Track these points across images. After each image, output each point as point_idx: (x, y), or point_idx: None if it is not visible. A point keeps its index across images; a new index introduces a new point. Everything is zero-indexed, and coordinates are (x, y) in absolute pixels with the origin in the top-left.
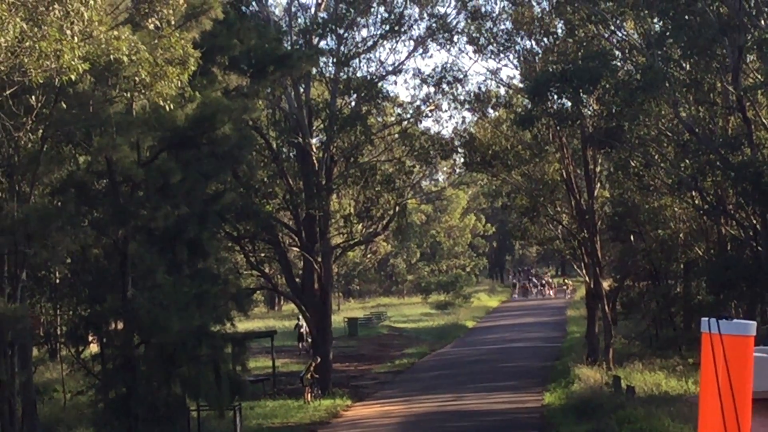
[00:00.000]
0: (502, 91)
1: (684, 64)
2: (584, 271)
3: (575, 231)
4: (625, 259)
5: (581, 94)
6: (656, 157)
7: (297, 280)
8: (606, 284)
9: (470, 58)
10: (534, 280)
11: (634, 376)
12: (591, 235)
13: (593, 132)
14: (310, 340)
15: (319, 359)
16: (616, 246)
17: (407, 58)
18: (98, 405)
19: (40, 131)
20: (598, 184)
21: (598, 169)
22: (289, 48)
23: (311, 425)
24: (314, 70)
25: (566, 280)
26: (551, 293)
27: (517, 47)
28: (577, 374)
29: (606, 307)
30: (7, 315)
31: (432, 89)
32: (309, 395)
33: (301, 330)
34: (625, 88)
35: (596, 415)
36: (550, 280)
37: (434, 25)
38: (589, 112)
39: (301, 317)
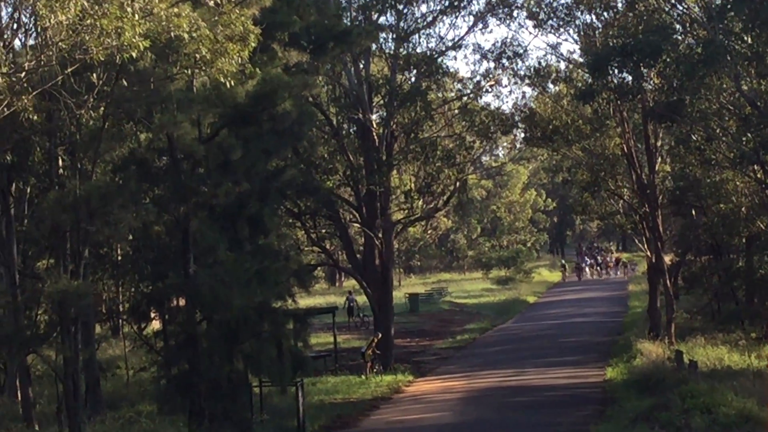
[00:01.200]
0: (562, 65)
1: (745, 38)
2: (645, 245)
3: (636, 205)
4: (687, 233)
5: (642, 68)
6: (718, 131)
7: (358, 256)
8: (668, 259)
9: (530, 33)
10: (597, 257)
11: (697, 351)
12: (652, 210)
13: (654, 106)
14: (362, 315)
15: (380, 335)
16: (678, 220)
17: (467, 33)
18: (160, 381)
19: (102, 109)
20: (659, 159)
21: (659, 144)
22: (348, 24)
23: (373, 401)
24: (374, 46)
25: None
26: (615, 272)
27: (577, 21)
28: (638, 349)
29: (668, 282)
30: (71, 292)
31: (492, 64)
32: (370, 371)
33: (351, 304)
34: (686, 62)
35: (658, 389)
36: (610, 257)
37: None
38: (650, 87)
39: (351, 292)
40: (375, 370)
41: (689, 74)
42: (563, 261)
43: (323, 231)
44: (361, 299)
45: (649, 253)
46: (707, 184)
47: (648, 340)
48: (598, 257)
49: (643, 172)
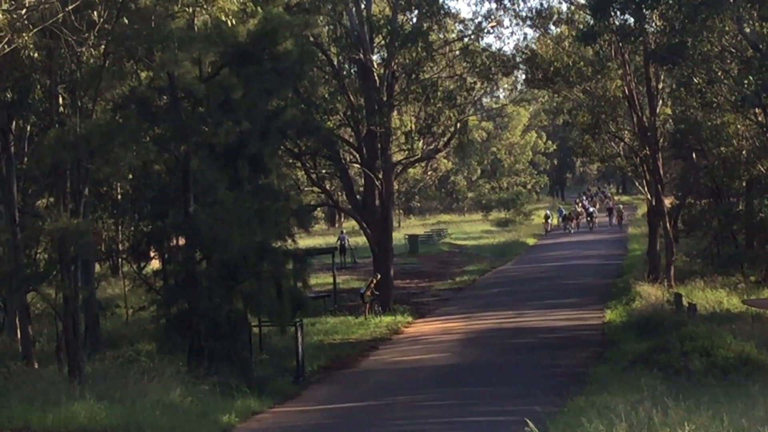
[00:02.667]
0: (564, 7)
1: None
2: (646, 188)
3: (637, 148)
4: (687, 176)
5: (644, 9)
6: (719, 73)
7: (358, 197)
8: (668, 202)
9: None
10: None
11: (696, 294)
12: (653, 153)
13: (656, 48)
14: (354, 257)
15: (379, 276)
16: (678, 163)
17: None
18: (160, 321)
19: (102, 47)
20: (660, 101)
21: (660, 86)
22: None
23: (372, 342)
24: None
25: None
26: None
27: None
28: (638, 292)
29: (667, 225)
30: (70, 230)
31: (493, 5)
32: (369, 312)
33: (343, 243)
34: (689, 4)
35: (657, 332)
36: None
37: None
38: (652, 29)
39: (344, 231)
40: (374, 311)
41: (691, 16)
42: (547, 212)
43: (323, 171)
44: (357, 240)
45: (649, 196)
46: (708, 127)
47: (647, 283)
48: (595, 203)
49: (644, 114)
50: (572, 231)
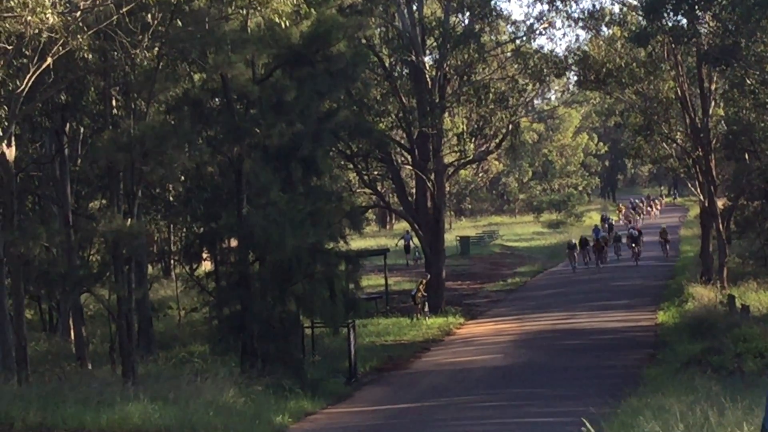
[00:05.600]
0: (616, 8)
1: None
2: (698, 189)
3: (689, 149)
4: (740, 177)
5: (697, 10)
6: None
7: (409, 198)
8: (720, 203)
9: None
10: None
11: (749, 296)
12: (705, 154)
13: (709, 49)
14: (417, 254)
15: (429, 276)
16: (731, 164)
17: None
18: (212, 322)
19: (156, 49)
20: (713, 102)
21: (713, 87)
22: None
23: (424, 343)
24: None
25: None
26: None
27: None
28: (690, 293)
29: (720, 226)
30: (124, 232)
31: (545, 7)
32: (420, 313)
33: (407, 242)
34: (742, 5)
35: (710, 333)
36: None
37: None
38: (705, 30)
39: (408, 231)
40: (424, 313)
41: (745, 17)
42: (572, 240)
43: (375, 173)
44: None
45: (701, 198)
46: (761, 128)
47: (700, 285)
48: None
49: (696, 115)
50: (590, 265)
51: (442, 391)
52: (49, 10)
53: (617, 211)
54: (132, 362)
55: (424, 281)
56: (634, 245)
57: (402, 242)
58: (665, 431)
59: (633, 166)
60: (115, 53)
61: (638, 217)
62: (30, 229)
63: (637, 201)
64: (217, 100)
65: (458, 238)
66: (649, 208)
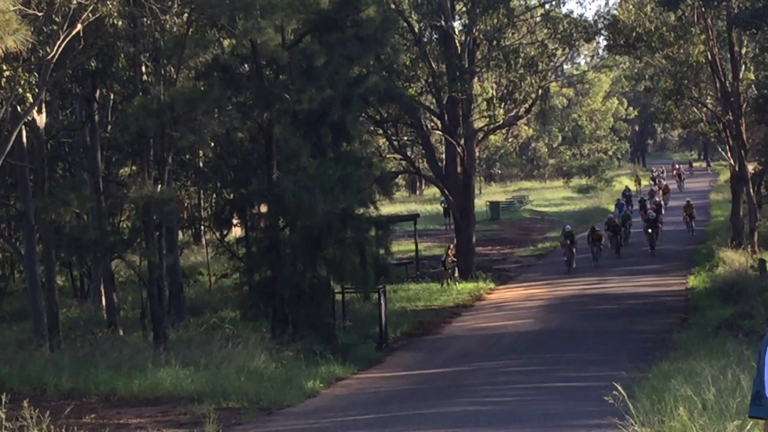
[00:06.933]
0: None
1: None
2: (729, 154)
3: (720, 114)
4: None
5: None
6: None
7: (439, 164)
8: (751, 167)
9: None
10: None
11: None
12: (736, 118)
13: (739, 13)
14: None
15: (455, 240)
16: (762, 128)
17: None
18: (243, 288)
19: (186, 15)
20: (743, 66)
21: (743, 51)
22: None
23: (455, 308)
24: None
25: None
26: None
27: None
28: (721, 257)
29: (751, 191)
30: (154, 198)
31: None
32: (450, 279)
33: (447, 206)
34: None
35: (741, 298)
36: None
37: None
38: None
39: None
40: (454, 278)
41: None
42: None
43: (405, 138)
44: (437, 207)
45: (732, 162)
46: None
47: (730, 249)
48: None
49: (726, 79)
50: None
51: (473, 356)
52: None
53: (635, 182)
54: (163, 328)
55: (452, 246)
56: (650, 230)
57: (443, 205)
58: (697, 395)
59: (663, 130)
60: (145, 19)
61: (659, 190)
62: (61, 196)
63: (658, 170)
64: (246, 65)
65: (488, 203)
66: (677, 178)
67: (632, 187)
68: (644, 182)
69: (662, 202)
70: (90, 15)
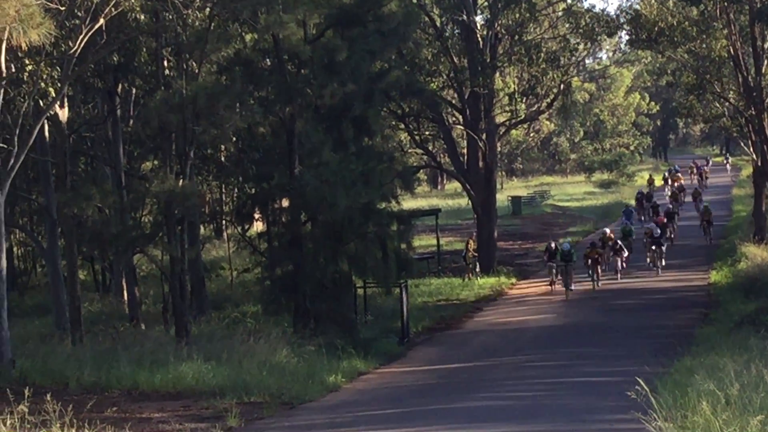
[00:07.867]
0: None
1: None
2: (751, 148)
3: (742, 108)
4: None
5: None
6: None
7: (461, 158)
8: None
9: None
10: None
11: None
12: (758, 113)
13: (762, 7)
14: None
15: (474, 235)
16: None
17: None
18: (265, 282)
19: (208, 9)
20: (766, 61)
21: (766, 46)
22: None
23: (476, 302)
24: None
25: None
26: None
27: None
28: (743, 253)
29: None
30: (176, 192)
31: None
32: (471, 273)
33: None
34: None
35: (764, 293)
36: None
37: None
38: None
39: None
40: (475, 272)
41: None
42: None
43: (426, 133)
44: (459, 203)
45: (754, 157)
46: None
47: (753, 244)
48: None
49: (749, 74)
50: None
51: (494, 351)
52: None
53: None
54: (185, 322)
55: (471, 240)
56: (654, 246)
57: None
58: (720, 390)
59: (685, 125)
60: (167, 14)
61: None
62: (83, 190)
63: (672, 170)
64: (268, 60)
65: (510, 198)
66: (698, 177)
67: (657, 181)
68: (658, 182)
69: (676, 210)
70: (112, 9)
